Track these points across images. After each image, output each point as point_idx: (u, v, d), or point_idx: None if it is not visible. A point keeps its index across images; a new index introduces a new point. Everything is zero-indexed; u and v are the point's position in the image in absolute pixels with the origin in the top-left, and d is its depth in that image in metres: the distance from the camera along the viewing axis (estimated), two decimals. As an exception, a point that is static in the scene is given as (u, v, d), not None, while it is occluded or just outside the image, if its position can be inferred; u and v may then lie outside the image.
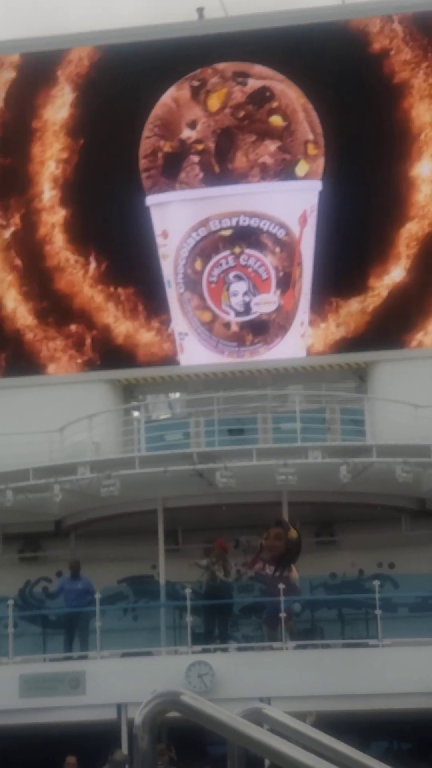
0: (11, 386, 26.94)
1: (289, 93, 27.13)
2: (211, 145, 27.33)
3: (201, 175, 27.28)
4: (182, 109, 27.55)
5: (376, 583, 22.42)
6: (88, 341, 27.19)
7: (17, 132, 28.12)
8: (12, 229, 27.94)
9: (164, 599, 24.05)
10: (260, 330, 26.98)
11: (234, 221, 27.05)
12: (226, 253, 27.11)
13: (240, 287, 27.09)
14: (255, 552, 22.70)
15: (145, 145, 27.53)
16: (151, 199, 27.42)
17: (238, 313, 27.12)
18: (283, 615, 21.56)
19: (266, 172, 27.10)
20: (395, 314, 26.42)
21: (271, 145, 27.07)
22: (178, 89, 27.54)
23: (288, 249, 27.03)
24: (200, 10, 28.33)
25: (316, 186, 27.02)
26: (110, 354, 27.11)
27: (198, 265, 27.20)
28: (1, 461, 25.33)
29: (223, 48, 27.45)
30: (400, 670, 21.17)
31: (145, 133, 27.53)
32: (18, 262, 27.82)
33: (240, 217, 27.05)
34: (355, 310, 26.62)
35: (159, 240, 27.32)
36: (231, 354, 27.12)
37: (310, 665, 21.65)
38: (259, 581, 22.77)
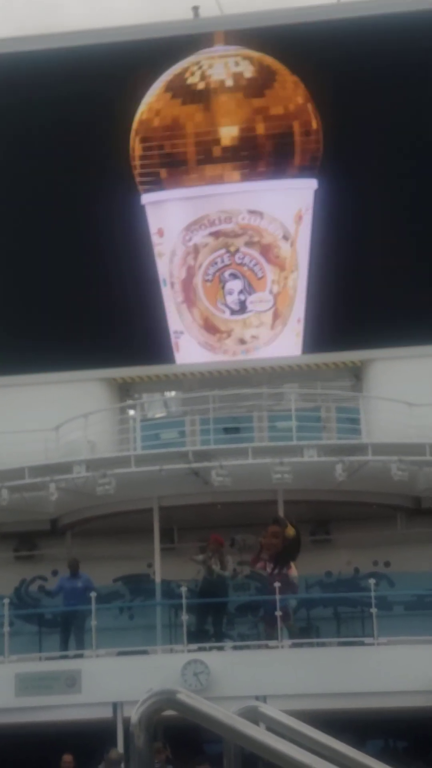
0: (6, 385, 26.90)
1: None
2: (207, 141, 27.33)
3: (197, 173, 27.26)
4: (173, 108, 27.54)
5: (372, 581, 22.43)
6: (84, 340, 27.13)
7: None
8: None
9: (160, 598, 24.05)
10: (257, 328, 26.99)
11: (229, 219, 27.05)
12: (222, 251, 27.10)
13: (235, 285, 27.09)
14: (256, 551, 22.74)
15: (138, 143, 27.50)
16: (146, 198, 27.41)
17: (233, 312, 27.12)
18: (278, 614, 21.56)
19: (262, 171, 27.09)
20: (391, 313, 26.40)
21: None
22: (169, 87, 27.53)
23: (283, 247, 27.02)
24: (195, 9, 28.32)
25: (311, 184, 27.01)
26: (106, 352, 27.07)
27: (193, 263, 27.19)
28: (-4, 460, 25.34)
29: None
30: (396, 668, 21.18)
31: (139, 132, 27.51)
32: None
33: (235, 216, 27.04)
34: (350, 308, 26.59)
35: (154, 238, 27.31)
36: (226, 352, 27.13)
37: (305, 664, 21.67)
38: (259, 580, 22.79)
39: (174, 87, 27.61)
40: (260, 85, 27.34)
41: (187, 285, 27.23)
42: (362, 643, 22.07)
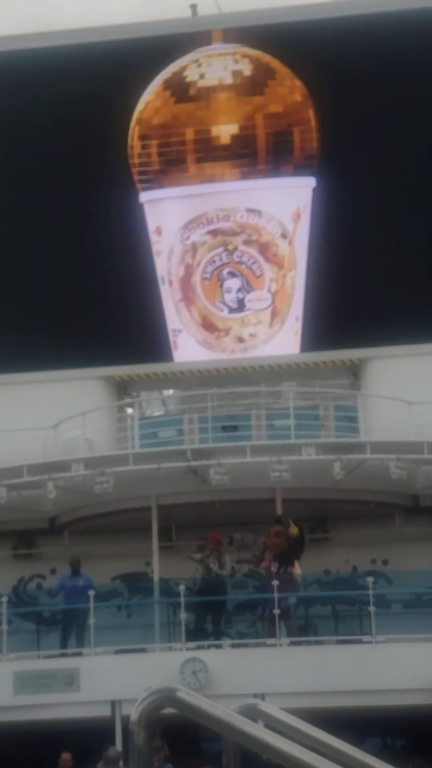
0: (4, 383, 26.90)
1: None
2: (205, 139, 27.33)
3: (195, 171, 27.26)
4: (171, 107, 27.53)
5: (370, 579, 22.44)
6: (82, 338, 27.12)
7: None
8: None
9: (158, 596, 24.06)
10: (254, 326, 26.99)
11: (228, 217, 27.04)
12: (220, 249, 27.10)
13: (234, 284, 27.09)
14: (260, 550, 22.77)
15: (137, 141, 27.49)
16: (144, 196, 27.40)
17: (231, 310, 27.13)
18: (276, 612, 21.56)
19: (260, 169, 27.08)
20: (389, 311, 26.40)
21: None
22: (167, 85, 27.52)
23: (282, 245, 27.01)
24: (194, 7, 28.32)
25: (309, 183, 27.01)
26: (104, 351, 27.06)
27: (191, 261, 27.19)
28: (-6, 458, 25.33)
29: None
30: (394, 666, 21.19)
31: (138, 130, 27.50)
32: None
33: (234, 214, 27.04)
34: (348, 306, 26.59)
35: (153, 237, 27.31)
36: (224, 350, 27.13)
37: (304, 662, 21.68)
38: (258, 578, 22.81)
39: (172, 85, 27.60)
40: (259, 83, 27.34)
41: (186, 283, 27.23)
42: (360, 641, 22.09)
